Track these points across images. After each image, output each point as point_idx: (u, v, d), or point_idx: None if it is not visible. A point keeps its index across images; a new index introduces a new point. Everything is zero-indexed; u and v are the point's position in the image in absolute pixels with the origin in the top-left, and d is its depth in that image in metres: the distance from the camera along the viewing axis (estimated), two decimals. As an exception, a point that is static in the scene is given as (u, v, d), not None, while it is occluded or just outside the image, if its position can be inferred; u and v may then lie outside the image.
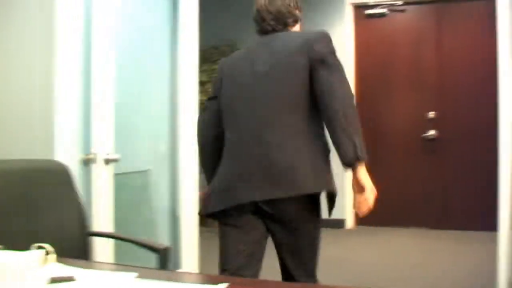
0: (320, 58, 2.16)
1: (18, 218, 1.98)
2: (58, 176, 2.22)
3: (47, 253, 1.44)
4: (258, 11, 2.41)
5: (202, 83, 6.53)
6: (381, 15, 6.38)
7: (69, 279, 1.34)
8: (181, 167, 3.56)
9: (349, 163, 2.06)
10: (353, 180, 2.11)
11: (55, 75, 2.66)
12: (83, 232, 2.22)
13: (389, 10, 6.37)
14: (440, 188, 6.22)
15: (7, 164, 2.09)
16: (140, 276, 1.39)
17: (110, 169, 2.91)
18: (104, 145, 2.88)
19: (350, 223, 6.42)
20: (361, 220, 6.40)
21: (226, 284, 1.31)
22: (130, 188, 3.30)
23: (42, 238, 1.53)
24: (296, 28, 2.44)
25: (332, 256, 5.02)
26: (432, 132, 6.21)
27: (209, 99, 2.44)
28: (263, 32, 2.40)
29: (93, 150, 2.84)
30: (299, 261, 2.28)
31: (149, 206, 3.47)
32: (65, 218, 2.16)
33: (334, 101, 2.08)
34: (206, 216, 2.31)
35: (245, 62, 2.34)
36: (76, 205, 2.22)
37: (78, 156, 2.82)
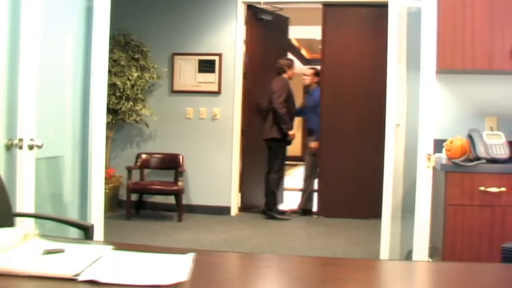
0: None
1: None
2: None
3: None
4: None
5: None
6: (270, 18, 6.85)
7: (60, 251, 1.56)
8: (92, 153, 3.68)
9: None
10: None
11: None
12: (9, 213, 2.23)
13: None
14: (327, 179, 6.78)
15: None
16: (116, 248, 1.65)
17: (33, 154, 3.02)
18: (28, 131, 2.98)
19: (234, 210, 6.85)
20: (243, 208, 6.91)
21: (193, 254, 1.62)
22: (46, 173, 3.43)
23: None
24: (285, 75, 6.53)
25: (224, 239, 5.45)
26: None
27: None
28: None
29: (18, 135, 2.94)
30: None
31: (62, 189, 3.61)
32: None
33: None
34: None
35: None
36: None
37: (1, 141, 2.91)
